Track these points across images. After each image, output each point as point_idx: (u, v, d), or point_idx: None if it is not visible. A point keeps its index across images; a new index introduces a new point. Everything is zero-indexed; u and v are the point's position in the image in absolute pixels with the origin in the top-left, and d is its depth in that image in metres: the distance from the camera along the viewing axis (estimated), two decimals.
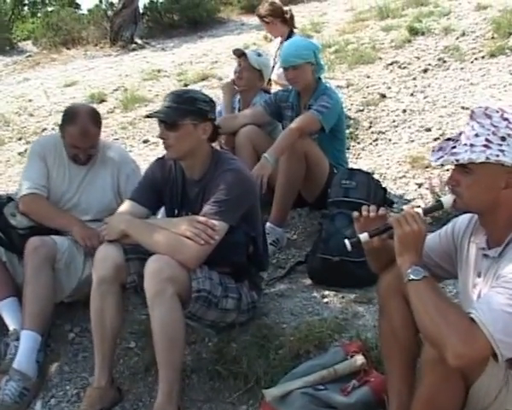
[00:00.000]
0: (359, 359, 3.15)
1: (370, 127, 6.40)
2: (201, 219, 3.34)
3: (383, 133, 6.25)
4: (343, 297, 4.00)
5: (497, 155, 2.28)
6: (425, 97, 6.71)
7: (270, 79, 5.83)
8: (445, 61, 7.50)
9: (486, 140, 2.32)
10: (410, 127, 6.22)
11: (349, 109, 6.65)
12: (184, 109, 3.41)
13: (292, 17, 6.42)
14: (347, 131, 5.87)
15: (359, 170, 4.64)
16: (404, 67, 7.61)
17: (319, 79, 4.98)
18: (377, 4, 10.52)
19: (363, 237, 2.61)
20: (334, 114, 4.75)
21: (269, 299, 4.04)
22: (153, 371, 3.57)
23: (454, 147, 2.41)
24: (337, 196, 4.33)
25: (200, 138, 3.48)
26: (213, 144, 3.71)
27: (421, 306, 2.32)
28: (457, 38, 8.10)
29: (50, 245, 3.86)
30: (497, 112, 2.36)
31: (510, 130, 2.32)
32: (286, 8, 6.40)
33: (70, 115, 4.08)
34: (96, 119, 4.13)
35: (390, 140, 6.08)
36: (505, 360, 2.25)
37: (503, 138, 2.31)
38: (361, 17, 10.54)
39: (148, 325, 3.42)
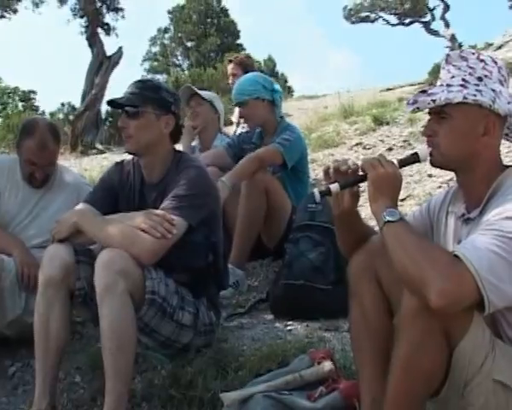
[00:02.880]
0: (327, 365, 2.88)
1: None
2: (159, 212, 3.15)
3: None
4: (307, 326, 3.78)
5: (475, 95, 2.23)
6: None
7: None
8: (410, 143, 7.51)
9: (463, 80, 2.28)
10: None
11: (314, 179, 6.54)
12: (146, 96, 3.30)
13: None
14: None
15: None
16: (369, 148, 7.62)
17: (281, 117, 4.93)
18: (342, 104, 10.62)
19: (334, 187, 2.41)
20: (297, 149, 4.70)
21: (228, 331, 3.81)
22: (99, 402, 3.24)
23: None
24: (302, 220, 4.17)
25: (162, 132, 3.34)
26: None
27: (400, 246, 2.14)
28: (423, 127, 8.10)
29: None
30: (473, 54, 2.35)
31: (487, 71, 2.30)
32: (254, 67, 6.44)
33: (28, 128, 3.90)
34: (55, 134, 3.95)
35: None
36: (491, 312, 2.06)
37: (479, 79, 2.29)
38: (325, 117, 10.64)
39: (96, 359, 3.18)
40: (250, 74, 5.11)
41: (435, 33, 26.17)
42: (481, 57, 2.32)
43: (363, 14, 27.45)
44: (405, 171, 6.42)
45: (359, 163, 2.44)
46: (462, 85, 2.26)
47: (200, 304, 3.37)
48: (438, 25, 26.19)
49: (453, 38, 23.82)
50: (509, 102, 2.27)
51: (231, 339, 3.64)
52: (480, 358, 2.13)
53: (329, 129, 9.15)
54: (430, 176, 6.24)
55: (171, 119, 3.37)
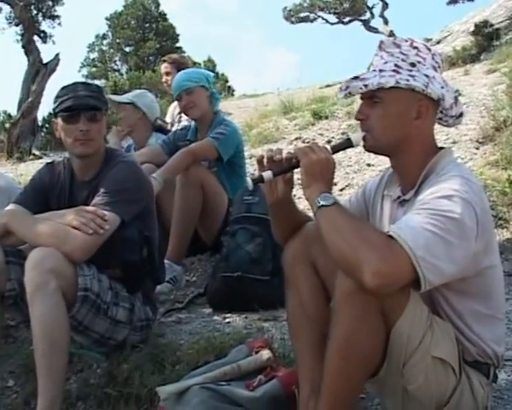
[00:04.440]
0: (265, 354, 2.81)
1: None
2: (90, 208, 3.07)
3: None
4: (246, 317, 3.73)
5: (408, 80, 2.23)
6: None
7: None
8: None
9: (396, 66, 2.28)
10: None
11: (252, 174, 6.46)
12: (103, 99, 3.33)
13: None
14: None
15: None
16: (308, 142, 7.54)
17: (217, 112, 4.89)
18: (282, 101, 10.58)
19: (267, 174, 2.37)
20: (232, 142, 4.64)
21: (165, 326, 3.73)
22: (32, 405, 3.13)
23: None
24: (239, 212, 4.11)
25: (104, 132, 3.39)
26: None
27: (334, 229, 2.11)
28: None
29: None
30: (406, 41, 2.36)
31: (420, 57, 2.32)
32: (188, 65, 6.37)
33: None
34: None
35: (294, 195, 5.87)
36: (428, 289, 2.03)
37: (412, 64, 2.29)
38: (265, 114, 10.59)
39: (29, 362, 3.08)
40: (192, 68, 5.12)
41: (374, 30, 26.40)
42: (414, 44, 2.33)
43: (303, 15, 27.53)
44: (344, 161, 6.47)
45: (292, 151, 2.41)
46: (394, 71, 2.25)
47: (136, 299, 3.29)
48: (377, 22, 26.43)
49: (392, 35, 24.01)
50: (442, 87, 2.27)
51: (168, 334, 3.56)
52: (418, 336, 2.10)
53: (269, 125, 9.08)
54: (369, 165, 6.24)
55: (107, 119, 3.38)
